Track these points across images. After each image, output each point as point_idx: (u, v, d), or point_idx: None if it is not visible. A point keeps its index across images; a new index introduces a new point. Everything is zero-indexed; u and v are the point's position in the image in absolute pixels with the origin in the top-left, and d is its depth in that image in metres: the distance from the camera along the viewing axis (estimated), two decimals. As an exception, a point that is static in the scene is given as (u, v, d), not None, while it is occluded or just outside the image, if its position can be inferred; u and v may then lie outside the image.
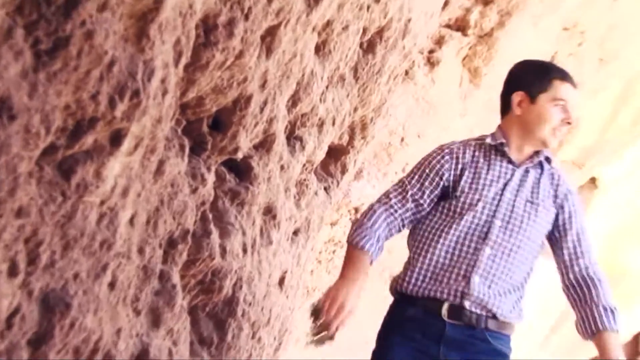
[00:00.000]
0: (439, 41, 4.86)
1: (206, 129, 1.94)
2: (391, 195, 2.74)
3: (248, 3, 1.67)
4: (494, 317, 2.69)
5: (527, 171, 2.80)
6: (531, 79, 2.78)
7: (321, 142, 2.49)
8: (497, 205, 2.73)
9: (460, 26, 4.89)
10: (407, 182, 2.76)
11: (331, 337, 2.69)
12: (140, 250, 1.78)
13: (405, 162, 4.88)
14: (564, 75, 2.77)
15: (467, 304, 2.65)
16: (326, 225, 4.81)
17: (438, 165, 2.76)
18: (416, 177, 2.75)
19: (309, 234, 2.71)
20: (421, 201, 2.75)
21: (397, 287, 2.76)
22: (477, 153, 2.81)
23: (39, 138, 1.23)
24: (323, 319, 2.49)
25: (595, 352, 2.82)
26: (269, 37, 1.86)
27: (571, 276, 2.76)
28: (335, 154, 2.78)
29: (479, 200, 2.72)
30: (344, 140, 2.74)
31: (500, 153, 2.79)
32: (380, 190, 4.77)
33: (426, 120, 5.06)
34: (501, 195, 2.74)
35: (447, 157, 2.78)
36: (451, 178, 2.76)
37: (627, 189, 8.58)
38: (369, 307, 5.69)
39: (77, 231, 1.47)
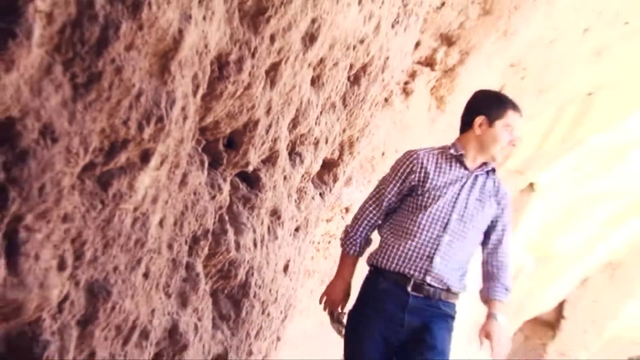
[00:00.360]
0: (412, 75, 4.79)
1: (222, 147, 1.86)
2: (369, 205, 2.84)
3: (254, 43, 1.59)
4: (447, 289, 2.80)
5: (477, 176, 2.88)
6: (491, 107, 2.83)
7: (317, 157, 2.41)
8: (455, 202, 2.80)
9: (429, 63, 4.82)
10: (382, 190, 2.81)
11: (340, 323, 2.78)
12: (170, 246, 1.70)
13: (385, 172, 4.80)
14: (515, 107, 2.83)
15: (428, 278, 2.75)
16: (323, 221, 4.74)
17: (408, 170, 2.80)
18: (391, 183, 2.80)
19: (308, 230, 2.63)
20: (393, 199, 2.81)
21: (375, 262, 2.82)
22: (439, 159, 2.85)
23: (78, 157, 1.15)
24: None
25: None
26: (272, 71, 1.78)
27: (491, 257, 2.90)
28: (329, 166, 2.71)
29: (440, 197, 2.77)
30: (335, 155, 2.67)
31: (459, 162, 2.84)
32: (365, 194, 4.70)
33: (402, 138, 4.99)
34: (458, 194, 2.81)
35: (414, 162, 2.82)
36: (416, 178, 2.81)
37: (558, 192, 8.54)
38: (360, 282, 5.63)
39: (115, 232, 1.39)
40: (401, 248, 2.79)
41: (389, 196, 2.80)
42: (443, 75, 4.81)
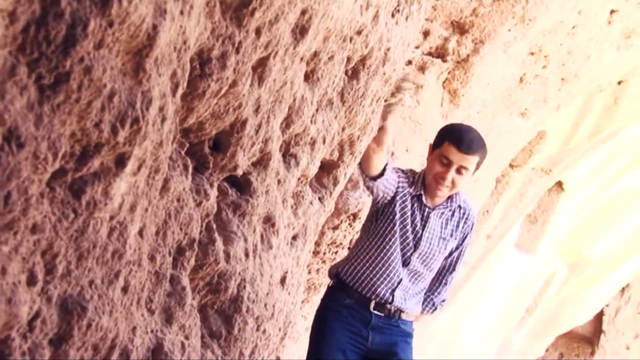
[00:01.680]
0: (422, 67, 4.83)
1: (207, 150, 1.90)
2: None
3: (238, 38, 1.63)
4: (404, 311, 3.24)
5: (442, 213, 3.19)
6: (437, 137, 3.13)
7: (314, 158, 2.44)
8: (418, 242, 3.14)
9: (440, 54, 4.86)
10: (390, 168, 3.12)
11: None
12: (152, 258, 1.74)
13: (395, 173, 4.83)
14: (454, 140, 3.03)
15: (388, 306, 3.17)
16: (329, 229, 4.77)
17: (400, 179, 3.14)
18: (394, 170, 3.14)
19: (307, 238, 2.67)
20: (390, 182, 3.09)
21: (342, 275, 3.21)
22: (411, 195, 3.16)
23: (47, 163, 1.19)
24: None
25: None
26: (260, 67, 1.82)
27: (438, 274, 3.31)
28: (328, 168, 2.75)
29: (406, 236, 3.13)
30: (334, 156, 2.71)
31: (421, 201, 3.14)
32: (374, 198, 4.73)
33: (413, 137, 5.03)
34: (421, 234, 3.14)
35: (405, 184, 3.14)
36: (398, 193, 3.13)
37: (589, 191, 8.54)
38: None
39: (90, 243, 1.43)
40: (367, 273, 3.17)
41: (390, 172, 3.05)
42: (456, 67, 4.84)
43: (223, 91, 1.69)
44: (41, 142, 1.15)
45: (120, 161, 1.38)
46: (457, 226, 3.23)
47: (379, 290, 3.16)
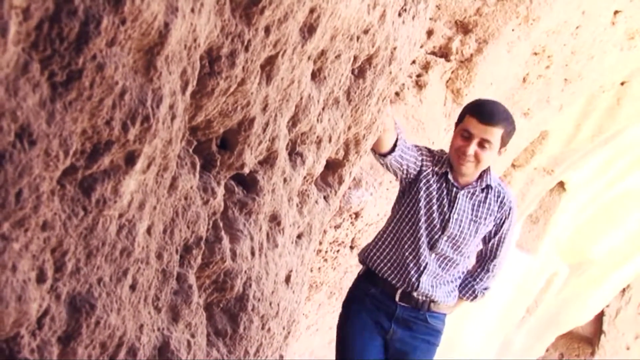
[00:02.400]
0: (426, 66, 4.83)
1: (215, 148, 1.90)
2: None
3: (247, 36, 1.63)
4: (434, 301, 3.04)
5: (472, 194, 2.99)
6: (460, 113, 3.00)
7: (320, 157, 2.44)
8: (445, 223, 2.95)
9: (443, 53, 4.86)
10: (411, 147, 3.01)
11: None
12: (159, 256, 1.74)
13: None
14: (474, 111, 2.92)
15: (415, 294, 2.99)
16: (330, 228, 4.77)
17: (425, 156, 2.99)
18: (415, 147, 3.03)
19: (311, 237, 2.67)
20: (416, 156, 2.97)
21: (368, 261, 3.08)
22: (436, 174, 3.00)
23: (58, 160, 1.19)
24: None
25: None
26: (268, 66, 1.82)
27: (480, 259, 3.12)
28: (333, 166, 2.74)
29: (432, 217, 2.94)
30: (340, 155, 2.70)
31: (447, 180, 2.98)
32: (377, 197, 4.74)
33: (415, 136, 5.03)
34: (449, 215, 2.95)
35: (428, 162, 2.99)
36: (423, 173, 2.96)
37: (591, 191, 8.54)
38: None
39: (99, 241, 1.43)
40: (393, 258, 3.02)
41: (405, 148, 2.93)
42: (459, 66, 4.84)
43: (232, 89, 1.69)
44: (53, 139, 1.15)
45: (130, 159, 1.38)
46: (491, 209, 2.99)
47: (404, 275, 2.98)
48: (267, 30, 1.69)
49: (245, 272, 2.12)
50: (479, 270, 3.14)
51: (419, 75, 4.83)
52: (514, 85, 5.46)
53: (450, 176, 2.97)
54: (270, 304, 2.37)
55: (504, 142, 2.88)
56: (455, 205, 2.97)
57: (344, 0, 1.99)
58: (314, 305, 5.49)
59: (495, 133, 2.82)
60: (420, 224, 2.97)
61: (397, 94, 4.59)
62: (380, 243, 3.08)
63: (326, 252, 5.01)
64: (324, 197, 2.71)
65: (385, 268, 3.03)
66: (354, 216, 4.80)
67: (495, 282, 3.21)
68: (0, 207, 1.10)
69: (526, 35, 4.80)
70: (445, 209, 2.97)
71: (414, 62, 4.65)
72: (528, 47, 5.08)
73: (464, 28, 4.69)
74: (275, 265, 2.33)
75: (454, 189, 2.97)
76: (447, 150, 3.12)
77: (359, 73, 2.47)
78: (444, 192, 2.97)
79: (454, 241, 3.00)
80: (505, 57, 4.99)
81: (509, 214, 3.06)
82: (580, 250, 9.57)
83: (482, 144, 2.83)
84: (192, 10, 1.38)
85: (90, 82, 1.16)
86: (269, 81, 1.86)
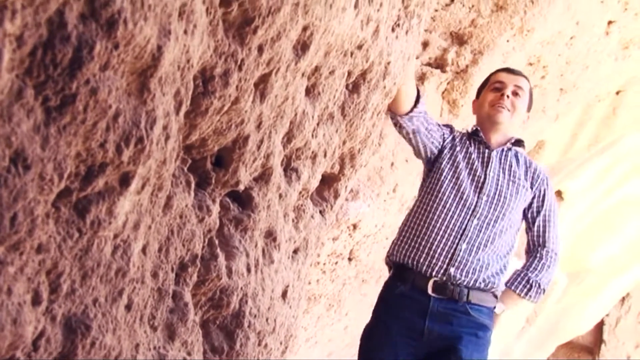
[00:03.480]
0: (422, 77, 4.85)
1: (210, 166, 1.91)
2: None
3: (241, 55, 1.65)
4: (477, 288, 2.61)
5: (504, 154, 2.84)
6: (480, 86, 3.00)
7: (315, 171, 2.46)
8: (483, 183, 2.74)
9: (439, 64, 4.88)
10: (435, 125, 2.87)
11: None
12: (154, 275, 1.75)
13: (395, 183, 4.86)
14: (500, 69, 2.98)
15: (452, 269, 2.58)
16: (328, 240, 4.78)
17: (444, 129, 2.90)
18: (435, 123, 2.87)
19: (308, 252, 2.68)
20: (439, 128, 2.86)
21: (392, 257, 2.73)
22: (464, 139, 2.88)
23: (53, 184, 1.20)
24: None
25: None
26: (262, 84, 1.84)
27: (529, 248, 2.78)
28: (329, 181, 2.76)
29: (465, 177, 2.73)
30: (335, 169, 2.71)
31: (478, 139, 2.85)
32: (374, 208, 4.75)
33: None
34: (485, 174, 2.76)
35: (449, 130, 2.91)
36: (446, 144, 2.84)
37: (588, 200, 8.56)
38: (368, 307, 5.65)
39: (94, 262, 1.44)
40: (418, 232, 2.64)
41: (424, 115, 2.80)
42: (455, 77, 4.86)
43: (225, 108, 1.71)
44: (47, 163, 1.16)
45: (125, 180, 1.39)
46: (525, 171, 2.80)
47: (437, 249, 2.59)
48: (261, 49, 1.71)
49: (241, 288, 2.13)
50: (531, 260, 2.75)
51: (414, 87, 4.85)
52: (510, 95, 5.48)
53: (480, 134, 2.85)
54: (267, 319, 2.38)
55: (529, 102, 2.90)
56: (490, 164, 2.79)
57: (337, 17, 2.01)
58: (312, 318, 5.48)
59: (525, 83, 2.88)
60: (453, 185, 2.69)
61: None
62: (405, 232, 2.73)
63: (324, 264, 5.02)
64: (320, 212, 2.72)
65: (414, 255, 2.64)
66: (351, 228, 4.81)
67: (553, 275, 2.79)
68: (-5, 232, 1.11)
69: (521, 46, 4.82)
70: (479, 169, 2.76)
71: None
72: (523, 58, 5.11)
73: (459, 39, 4.72)
74: (271, 281, 2.34)
75: (486, 150, 2.82)
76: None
77: (353, 88, 2.49)
78: (475, 154, 2.80)
79: (494, 202, 2.70)
80: (500, 67, 5.02)
81: (547, 186, 2.84)
82: (578, 259, 9.58)
83: (515, 91, 2.84)
84: (185, 32, 1.40)
85: (84, 106, 1.17)
86: (263, 99, 1.88)
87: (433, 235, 2.64)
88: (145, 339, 1.76)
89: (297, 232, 2.52)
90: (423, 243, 2.65)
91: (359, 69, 2.41)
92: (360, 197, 4.65)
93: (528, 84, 2.90)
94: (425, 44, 4.73)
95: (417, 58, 4.70)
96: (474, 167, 2.77)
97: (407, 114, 2.75)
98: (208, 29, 1.50)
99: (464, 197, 2.69)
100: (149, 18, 1.22)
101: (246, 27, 1.60)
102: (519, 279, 2.73)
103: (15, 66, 1.05)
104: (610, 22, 5.18)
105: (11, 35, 1.02)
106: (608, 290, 10.65)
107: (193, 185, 1.82)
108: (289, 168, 2.34)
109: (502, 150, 2.84)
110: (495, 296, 2.71)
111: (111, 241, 1.46)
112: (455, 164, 2.76)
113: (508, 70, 2.92)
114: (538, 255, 2.76)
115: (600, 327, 12.38)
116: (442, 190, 2.70)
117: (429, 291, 2.62)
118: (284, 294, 2.56)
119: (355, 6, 2.07)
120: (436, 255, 2.61)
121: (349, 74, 2.39)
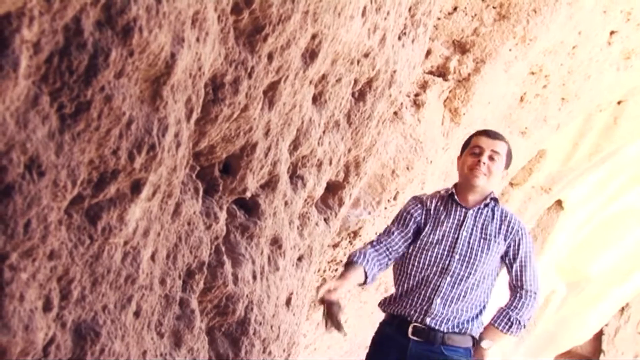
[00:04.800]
0: (424, 86, 4.86)
1: (218, 173, 1.91)
2: (378, 235, 3.06)
3: (251, 63, 1.65)
4: (451, 332, 2.96)
5: (479, 213, 3.07)
6: (463, 145, 3.11)
7: (320, 179, 2.46)
8: (455, 243, 3.00)
9: (441, 72, 4.89)
10: (390, 225, 3.08)
11: (336, 326, 2.71)
12: (162, 282, 1.75)
13: (395, 191, 4.86)
14: (480, 132, 3.10)
15: (427, 319, 2.92)
16: (329, 247, 4.78)
17: (412, 211, 3.05)
18: (397, 221, 3.06)
19: (312, 259, 2.68)
20: (402, 234, 3.02)
21: (381, 305, 3.09)
22: (439, 203, 3.09)
23: (66, 190, 1.20)
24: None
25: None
26: (271, 91, 1.84)
27: (510, 290, 3.06)
28: (333, 189, 2.76)
29: (439, 238, 2.99)
30: (340, 177, 2.72)
31: (453, 201, 3.06)
32: (375, 216, 4.75)
33: (414, 155, 5.04)
34: (457, 235, 3.01)
35: (418, 205, 3.08)
36: (420, 220, 3.05)
37: (588, 209, 8.56)
38: (368, 315, 5.63)
39: (104, 269, 1.44)
40: (401, 289, 3.00)
41: (399, 232, 3.01)
42: (457, 86, 4.87)
43: (235, 115, 1.71)
44: (61, 170, 1.16)
45: (136, 187, 1.39)
46: (500, 226, 3.05)
47: (415, 302, 2.93)
48: (270, 57, 1.72)
49: (247, 295, 2.13)
50: (512, 299, 3.06)
51: (417, 95, 4.86)
52: (512, 104, 5.49)
53: (456, 197, 3.06)
54: (271, 327, 2.38)
55: (507, 162, 3.05)
56: (464, 223, 3.03)
57: (345, 25, 2.02)
58: (312, 325, 5.47)
59: (502, 147, 3.02)
60: (428, 248, 2.99)
61: (395, 113, 4.62)
62: (395, 285, 3.10)
63: (324, 271, 5.02)
64: (325, 219, 2.72)
65: (398, 304, 3.00)
66: (352, 235, 4.81)
67: (533, 311, 3.08)
68: (9, 238, 1.11)
69: (523, 55, 4.83)
70: (453, 228, 3.02)
71: (413, 81, 4.68)
72: (525, 67, 5.12)
73: (461, 48, 4.73)
74: (276, 289, 2.34)
75: (462, 209, 3.06)
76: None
77: (359, 96, 2.50)
78: (451, 214, 3.05)
79: (466, 260, 2.99)
80: (502, 76, 5.03)
81: (522, 235, 3.10)
82: (578, 268, 9.57)
83: (492, 156, 2.98)
84: (198, 40, 1.40)
85: (99, 113, 1.18)
86: (272, 106, 1.88)
87: (412, 290, 2.98)
88: (153, 345, 1.76)
89: (301, 239, 2.52)
90: (404, 298, 3.00)
91: (365, 77, 2.41)
92: (361, 205, 4.65)
93: (505, 146, 3.05)
94: (427, 52, 4.74)
95: (420, 66, 4.70)
96: (448, 228, 3.03)
97: (370, 279, 2.97)
98: (219, 37, 1.50)
99: (438, 257, 2.99)
100: (164, 26, 1.22)
101: (257, 35, 1.61)
102: (501, 316, 3.03)
103: (32, 73, 1.06)
104: (612, 32, 5.20)
105: (28, 42, 1.02)
106: (607, 300, 10.63)
107: (201, 192, 1.83)
108: (295, 175, 2.34)
109: (478, 208, 3.07)
110: (472, 337, 3.03)
111: (121, 248, 1.47)
112: (432, 229, 3.03)
113: (487, 134, 3.05)
114: (518, 295, 3.04)
115: (599, 336, 12.35)
116: (420, 252, 3.01)
117: (409, 334, 2.94)
118: (288, 301, 2.56)
119: (363, 14, 2.08)
120: (415, 308, 2.95)
121: (356, 81, 2.40)
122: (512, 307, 3.02)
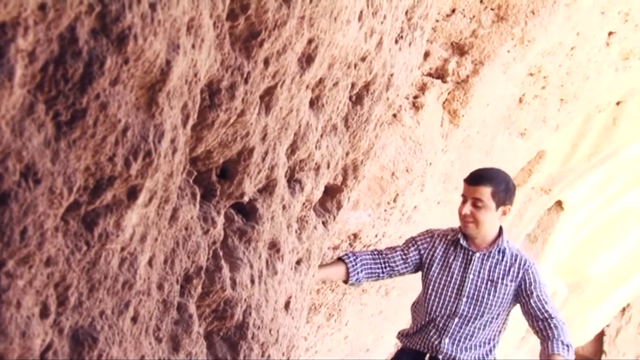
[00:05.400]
0: (422, 88, 4.87)
1: (215, 178, 1.92)
2: (384, 248, 3.27)
3: (247, 69, 1.66)
4: None
5: (487, 256, 3.16)
6: None
7: (318, 183, 2.46)
8: (462, 285, 3.12)
9: (440, 74, 4.90)
10: (398, 245, 3.27)
11: None
12: (160, 287, 1.75)
13: (395, 193, 4.87)
14: (466, 177, 3.16)
15: (440, 356, 3.13)
16: (329, 249, 4.79)
17: (419, 243, 3.22)
18: (404, 244, 3.21)
19: (310, 262, 2.68)
20: (403, 257, 3.18)
21: (399, 337, 3.34)
22: (448, 244, 3.22)
23: (62, 197, 1.21)
24: None
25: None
26: (267, 96, 1.85)
27: (538, 324, 3.13)
28: (332, 192, 2.77)
29: (446, 280, 3.13)
30: (338, 181, 2.73)
31: (460, 245, 3.18)
32: (375, 218, 4.76)
33: (413, 157, 5.06)
34: (464, 277, 3.12)
35: (428, 239, 3.22)
36: (424, 254, 3.19)
37: (588, 210, 8.58)
38: (368, 317, 5.64)
39: (101, 275, 1.45)
40: (415, 327, 3.19)
41: (393, 254, 3.20)
42: (456, 87, 4.88)
43: (231, 121, 1.72)
44: (57, 177, 1.17)
45: (132, 193, 1.40)
46: (509, 271, 3.13)
47: (426, 342, 3.13)
48: (266, 62, 1.72)
49: (245, 300, 2.14)
50: (551, 331, 3.08)
51: (415, 97, 4.87)
52: (511, 105, 5.50)
53: (463, 241, 3.17)
54: (270, 331, 2.38)
55: (498, 200, 3.05)
56: (470, 266, 3.13)
57: (342, 30, 2.03)
58: (312, 328, 5.48)
59: (483, 192, 3.03)
60: (438, 288, 3.13)
61: (394, 115, 4.63)
62: (411, 321, 3.30)
63: (324, 274, 5.02)
64: (323, 223, 2.73)
65: (413, 339, 3.19)
66: (352, 237, 4.82)
67: (569, 335, 3.16)
68: (5, 245, 1.12)
69: (522, 57, 4.85)
70: (460, 272, 3.14)
71: (410, 83, 4.69)
72: (524, 68, 5.13)
73: (460, 50, 4.74)
74: (274, 292, 2.34)
75: (469, 252, 3.15)
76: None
77: (357, 100, 2.50)
78: (459, 257, 3.16)
79: (473, 302, 3.11)
80: (501, 78, 5.04)
81: (534, 270, 3.17)
82: (578, 269, 9.58)
83: (475, 203, 3.05)
84: (193, 46, 1.41)
85: (94, 120, 1.18)
86: (268, 111, 1.89)
87: (424, 328, 3.17)
88: (151, 350, 1.77)
89: (300, 243, 2.53)
90: (418, 334, 3.21)
91: (362, 80, 2.42)
92: (360, 207, 4.66)
93: (489, 189, 3.04)
94: (426, 54, 4.75)
95: (418, 68, 4.71)
96: (455, 271, 3.15)
97: (354, 280, 3.18)
98: (215, 43, 1.51)
99: (446, 299, 3.13)
100: (159, 33, 1.23)
101: (252, 40, 1.62)
102: (557, 345, 3.06)
103: (27, 81, 1.06)
104: (610, 33, 5.21)
105: (23, 51, 1.03)
106: (608, 301, 10.64)
107: (198, 197, 1.83)
108: (292, 179, 2.35)
109: (485, 253, 3.16)
110: None
111: (118, 254, 1.47)
112: (439, 270, 3.16)
113: (467, 180, 3.10)
114: (553, 324, 3.10)
115: (600, 337, 12.37)
116: (430, 293, 3.17)
117: None
118: (287, 305, 2.56)
119: (360, 18, 2.09)
120: (427, 345, 3.16)
121: (353, 85, 2.40)
122: (557, 336, 3.05)
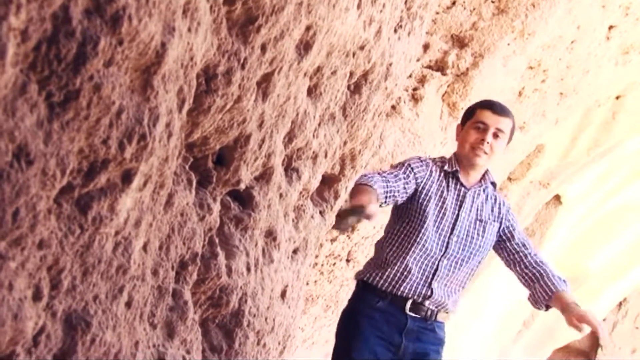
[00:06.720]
0: (422, 80, 4.86)
1: (211, 164, 1.91)
2: (385, 173, 2.87)
3: (244, 54, 1.65)
4: (442, 310, 2.95)
5: (477, 194, 2.98)
6: (465, 113, 3.00)
7: (315, 172, 2.46)
8: (454, 224, 2.92)
9: (439, 67, 4.89)
10: (395, 169, 2.90)
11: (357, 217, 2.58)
12: (155, 272, 1.74)
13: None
14: (485, 105, 2.97)
15: (427, 302, 2.90)
16: (327, 241, 4.78)
17: (415, 170, 2.90)
18: (403, 171, 2.88)
19: (307, 252, 2.68)
20: (405, 185, 2.86)
21: (369, 279, 2.94)
22: (441, 176, 2.97)
23: (55, 179, 1.20)
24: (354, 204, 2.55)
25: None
26: (265, 83, 1.84)
27: (525, 263, 2.99)
28: (329, 182, 2.76)
29: (439, 217, 2.90)
30: (335, 170, 2.72)
31: (455, 178, 2.95)
32: (372, 210, 4.75)
33: (412, 149, 5.05)
34: (457, 215, 2.93)
35: (424, 167, 2.94)
36: (421, 183, 2.91)
37: (587, 205, 8.57)
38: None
39: (95, 259, 1.44)
40: (398, 269, 2.88)
41: (397, 183, 2.84)
42: (455, 80, 4.87)
43: (228, 106, 1.71)
44: (50, 158, 1.16)
45: (127, 177, 1.39)
46: (492, 210, 3.00)
47: (413, 284, 2.86)
48: (264, 48, 1.71)
49: (241, 287, 2.13)
50: (540, 272, 2.97)
51: (415, 89, 4.86)
52: (510, 98, 5.49)
53: (460, 175, 2.97)
54: (266, 319, 2.38)
55: (510, 136, 2.96)
56: (464, 205, 2.95)
57: (340, 17, 2.02)
58: (310, 319, 5.48)
59: (507, 124, 2.90)
60: (427, 227, 2.89)
61: (393, 107, 4.62)
62: (381, 259, 2.96)
63: (322, 265, 5.02)
64: (320, 212, 2.72)
65: (394, 282, 2.89)
66: (350, 229, 4.81)
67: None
68: (-3, 227, 1.11)
69: (522, 50, 4.83)
70: (454, 209, 2.94)
71: (410, 75, 4.68)
72: (524, 61, 5.11)
73: (460, 42, 4.73)
74: (270, 281, 2.34)
75: (462, 189, 2.97)
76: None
77: (355, 89, 2.49)
78: (452, 192, 2.94)
79: (463, 242, 2.93)
80: (501, 71, 5.02)
81: (513, 215, 3.08)
82: (576, 263, 9.58)
83: (496, 134, 2.89)
84: (189, 30, 1.40)
85: (88, 102, 1.17)
86: (265, 98, 1.88)
87: (410, 269, 2.88)
88: (145, 336, 1.76)
89: (297, 232, 2.52)
90: (402, 277, 2.90)
91: (360, 69, 2.41)
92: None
93: (510, 123, 2.93)
94: (425, 47, 4.73)
95: (417, 60, 4.70)
96: (448, 206, 2.93)
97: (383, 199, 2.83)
98: (212, 27, 1.50)
99: (440, 238, 2.91)
100: (154, 15, 1.22)
101: (249, 25, 1.61)
102: (556, 281, 2.96)
103: (20, 61, 1.05)
104: (611, 27, 5.19)
105: (16, 30, 1.02)
106: (605, 295, 10.65)
107: (194, 184, 1.82)
108: (289, 168, 2.34)
109: (476, 190, 2.99)
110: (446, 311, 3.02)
111: (112, 238, 1.46)
112: (435, 204, 2.92)
113: (493, 109, 2.90)
114: (540, 261, 3.00)
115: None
116: (422, 224, 2.90)
117: (407, 310, 2.92)
118: (283, 294, 2.56)
119: (358, 6, 2.08)
120: (415, 290, 2.89)
121: (351, 74, 2.39)
122: (552, 271, 2.97)
